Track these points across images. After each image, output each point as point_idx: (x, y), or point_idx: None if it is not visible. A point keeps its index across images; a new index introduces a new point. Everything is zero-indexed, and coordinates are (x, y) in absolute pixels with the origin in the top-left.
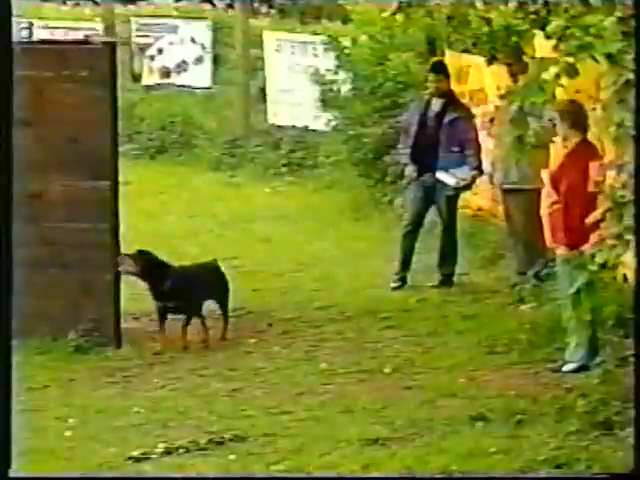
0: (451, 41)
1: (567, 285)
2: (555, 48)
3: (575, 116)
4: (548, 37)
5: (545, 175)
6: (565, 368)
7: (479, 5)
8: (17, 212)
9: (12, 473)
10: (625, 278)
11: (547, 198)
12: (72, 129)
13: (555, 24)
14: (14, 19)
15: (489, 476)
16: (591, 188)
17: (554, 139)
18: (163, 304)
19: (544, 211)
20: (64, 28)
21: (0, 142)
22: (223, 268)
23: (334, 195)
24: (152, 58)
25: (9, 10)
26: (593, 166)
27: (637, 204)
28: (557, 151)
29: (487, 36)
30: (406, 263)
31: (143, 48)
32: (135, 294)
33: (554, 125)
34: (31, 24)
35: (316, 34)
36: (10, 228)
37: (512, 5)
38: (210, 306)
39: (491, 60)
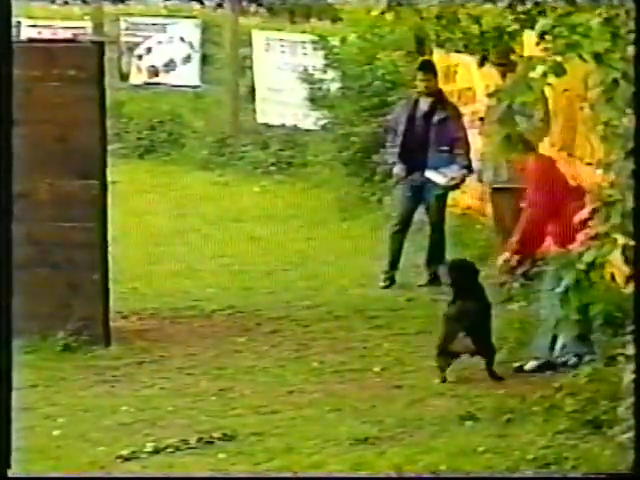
0: (440, 40)
1: (555, 284)
2: (543, 47)
3: None
4: (539, 36)
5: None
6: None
7: (468, 4)
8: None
9: (10, 473)
10: (613, 277)
11: None
12: (60, 128)
13: (542, 23)
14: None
15: (479, 476)
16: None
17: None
18: None
19: None
20: (52, 27)
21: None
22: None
23: (323, 194)
24: (140, 57)
25: (9, 11)
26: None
27: (637, 205)
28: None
29: (476, 35)
30: (395, 262)
31: (132, 47)
32: (124, 293)
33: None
34: (19, 23)
35: (305, 33)
36: (10, 228)
37: (501, 5)
38: None
39: (482, 61)
